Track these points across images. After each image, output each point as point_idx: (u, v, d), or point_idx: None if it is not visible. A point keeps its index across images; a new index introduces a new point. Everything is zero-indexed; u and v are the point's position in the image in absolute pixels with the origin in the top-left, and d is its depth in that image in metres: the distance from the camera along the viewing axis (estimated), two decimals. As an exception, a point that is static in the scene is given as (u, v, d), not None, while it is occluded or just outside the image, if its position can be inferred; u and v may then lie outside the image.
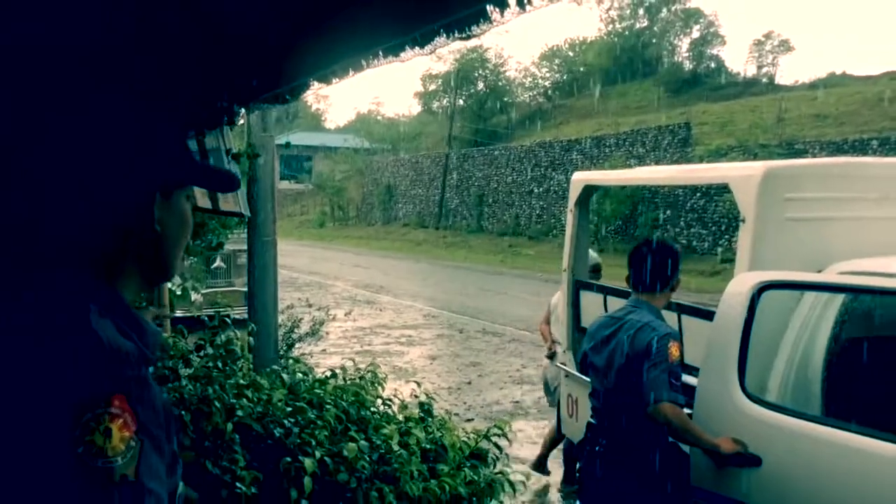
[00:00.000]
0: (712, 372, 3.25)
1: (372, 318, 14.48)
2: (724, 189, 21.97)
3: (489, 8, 2.63)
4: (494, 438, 3.56)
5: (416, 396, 3.61)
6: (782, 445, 3.01)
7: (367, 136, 49.65)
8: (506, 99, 47.14)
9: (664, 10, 45.50)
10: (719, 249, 23.39)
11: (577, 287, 5.46)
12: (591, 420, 3.48)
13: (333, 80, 3.96)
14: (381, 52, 3.27)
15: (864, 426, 2.80)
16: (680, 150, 26.15)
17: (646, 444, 3.21)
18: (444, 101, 48.16)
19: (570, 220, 5.52)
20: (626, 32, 45.91)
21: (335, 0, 2.64)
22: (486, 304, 16.39)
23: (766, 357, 3.24)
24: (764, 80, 43.59)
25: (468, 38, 2.83)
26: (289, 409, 2.90)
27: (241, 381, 2.99)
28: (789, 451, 3.00)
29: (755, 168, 3.69)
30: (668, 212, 26.21)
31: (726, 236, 23.75)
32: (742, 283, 3.23)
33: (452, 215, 37.95)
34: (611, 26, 46.74)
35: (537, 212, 32.36)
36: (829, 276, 3.31)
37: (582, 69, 47.26)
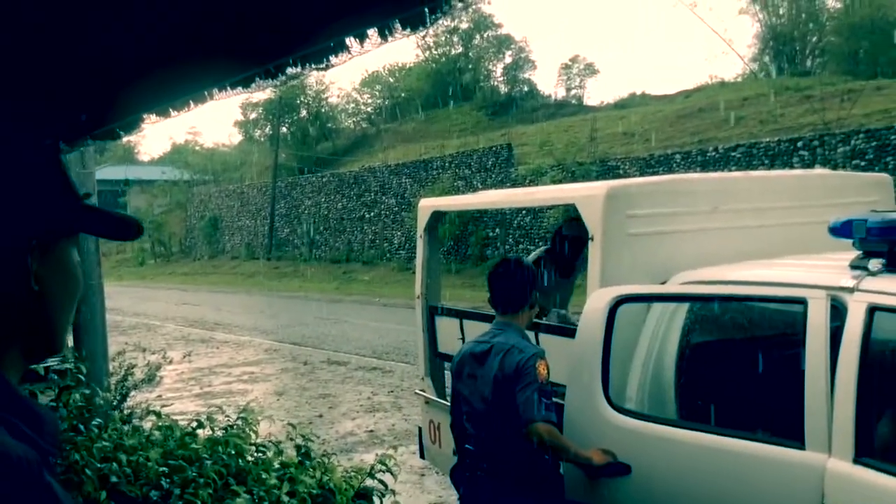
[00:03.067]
0: (578, 386, 3.38)
1: (209, 358, 13.89)
2: (549, 207, 22.97)
3: (349, 40, 2.60)
4: (379, 475, 3.51)
5: (292, 438, 3.50)
6: (646, 451, 3.18)
7: (186, 167, 47.83)
8: (330, 125, 47.06)
9: (477, 36, 47.18)
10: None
11: (431, 313, 5.51)
12: (468, 446, 3.51)
13: (173, 114, 3.77)
14: (228, 85, 3.14)
15: (715, 426, 3.02)
16: (504, 171, 27.12)
17: (526, 465, 3.28)
18: (267, 129, 47.32)
19: (420, 246, 5.58)
20: (443, 58, 47.19)
21: (181, 32, 2.50)
22: (328, 332, 16.18)
23: (626, 367, 3.42)
24: (573, 101, 46.17)
25: (326, 68, 2.79)
26: (164, 469, 2.71)
27: (106, 444, 2.75)
28: (653, 456, 3.17)
29: (598, 188, 3.90)
30: (497, 230, 27.09)
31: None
32: (599, 298, 3.40)
33: (283, 245, 37.26)
34: (428, 52, 47.85)
35: (370, 237, 32.42)
36: (675, 286, 3.54)
37: (403, 94, 48.04)
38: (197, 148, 54.03)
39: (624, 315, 3.34)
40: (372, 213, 32.52)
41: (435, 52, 47.65)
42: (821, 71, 35.07)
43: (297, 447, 3.40)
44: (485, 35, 47.17)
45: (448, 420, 5.40)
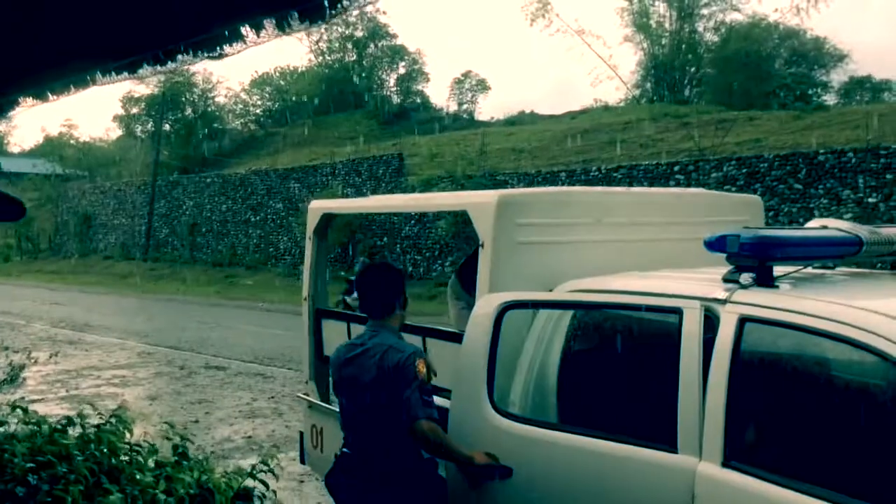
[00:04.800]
0: (464, 390, 3.41)
1: (77, 360, 13.22)
2: (437, 217, 23.14)
3: (244, 29, 2.53)
4: (261, 475, 3.41)
5: (169, 438, 3.36)
6: (529, 454, 3.24)
7: (60, 161, 45.50)
8: (216, 125, 45.79)
9: (371, 45, 47.15)
10: (434, 274, 24.59)
11: (318, 316, 5.44)
12: (345, 450, 3.47)
13: (51, 98, 3.58)
14: (113, 69, 2.99)
15: (593, 430, 3.10)
16: (395, 180, 27.18)
17: (403, 467, 3.26)
18: (149, 125, 45.59)
19: (308, 248, 5.50)
20: (336, 65, 46.89)
21: (60, 7, 2.37)
22: (207, 337, 15.70)
23: (511, 372, 3.47)
24: (464, 115, 46.82)
25: (220, 58, 2.70)
26: (31, 465, 2.53)
27: (-36, 440, 2.56)
28: (534, 459, 3.23)
29: (490, 196, 3.95)
30: (386, 239, 27.08)
31: (439, 261, 25.08)
32: (487, 304, 3.45)
33: (162, 246, 35.97)
34: (321, 58, 47.45)
35: (255, 241, 31.75)
36: (561, 294, 3.63)
37: (293, 98, 47.40)
38: (72, 141, 51.40)
39: (510, 321, 3.40)
40: (258, 217, 31.87)
41: (328, 58, 47.31)
42: (698, 101, 37.02)
43: (175, 446, 3.27)
44: (379, 44, 47.22)
45: (331, 424, 5.37)
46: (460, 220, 21.26)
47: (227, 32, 2.50)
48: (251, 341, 14.93)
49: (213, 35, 2.51)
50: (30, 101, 3.48)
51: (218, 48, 2.59)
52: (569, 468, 3.11)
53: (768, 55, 36.57)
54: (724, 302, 2.90)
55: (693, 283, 3.29)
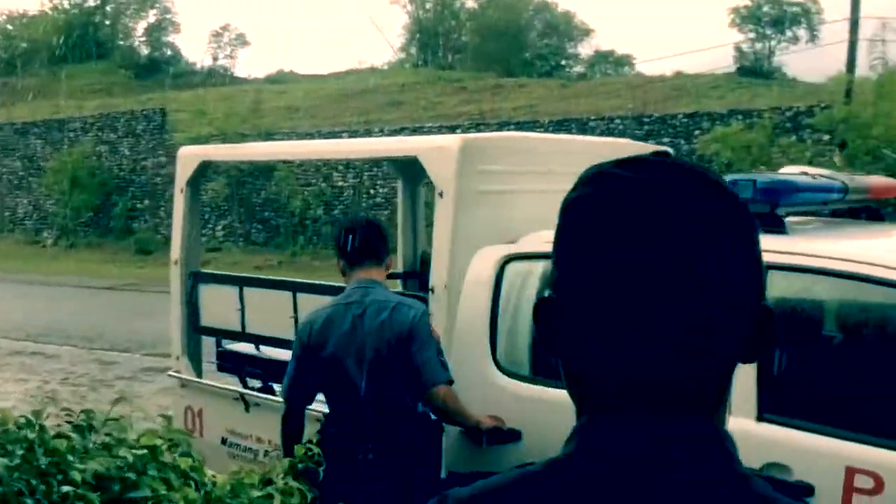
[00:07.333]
0: (463, 349, 3.12)
1: None
2: (217, 174, 21.56)
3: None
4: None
5: None
6: (535, 415, 3.02)
7: None
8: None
9: (115, -10, 43.13)
10: (203, 239, 23.13)
11: (194, 280, 4.72)
12: (331, 430, 2.99)
13: None
14: None
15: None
16: (157, 137, 25.15)
17: (412, 430, 2.98)
18: None
19: (179, 202, 4.74)
20: (76, 10, 42.35)
21: None
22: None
23: (514, 329, 3.20)
24: (221, 71, 44.46)
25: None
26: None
27: None
28: (541, 419, 3.01)
29: (451, 140, 3.64)
30: (147, 201, 25.07)
31: (209, 224, 23.55)
32: (486, 258, 3.14)
33: None
34: (57, 2, 42.61)
35: (-13, 204, 27.98)
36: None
37: (25, 46, 42.15)
38: None
39: (511, 275, 3.11)
40: (-7, 177, 28.10)
41: (66, 3, 42.58)
42: (459, 67, 38.05)
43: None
44: (124, -11, 43.27)
45: (213, 403, 4.73)
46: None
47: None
48: (16, 316, 13.07)
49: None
50: None
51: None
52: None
53: (525, 25, 38.42)
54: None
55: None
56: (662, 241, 0.71)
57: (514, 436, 3.01)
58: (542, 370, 3.22)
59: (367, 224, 3.25)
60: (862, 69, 18.48)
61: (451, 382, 2.92)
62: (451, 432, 3.08)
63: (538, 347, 3.28)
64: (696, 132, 18.24)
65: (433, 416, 3.02)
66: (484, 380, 3.07)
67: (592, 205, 0.75)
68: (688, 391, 0.72)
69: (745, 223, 0.75)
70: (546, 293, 0.80)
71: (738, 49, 32.15)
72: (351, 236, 3.12)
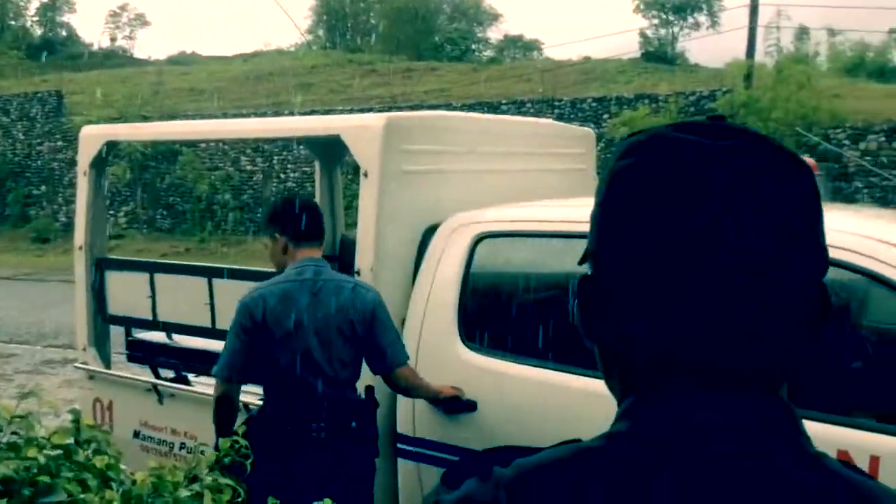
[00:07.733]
0: (432, 323, 3.19)
1: None
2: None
3: None
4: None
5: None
6: (497, 387, 3.06)
7: None
8: None
9: (3, -35, 40.86)
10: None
11: (101, 267, 4.47)
12: (281, 408, 2.91)
13: None
14: None
15: (557, 363, 2.95)
16: (54, 120, 24.01)
17: (358, 408, 2.98)
18: None
19: (83, 185, 4.47)
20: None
21: None
22: None
23: (482, 304, 3.25)
24: (120, 52, 42.84)
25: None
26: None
27: None
28: (501, 392, 3.04)
29: (375, 119, 3.53)
30: (44, 187, 23.93)
31: (111, 210, 22.66)
32: (458, 234, 3.20)
33: None
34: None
35: None
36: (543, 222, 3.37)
37: None
38: None
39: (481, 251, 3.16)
40: None
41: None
42: (368, 50, 37.70)
43: None
44: (13, -34, 41.05)
45: (122, 395, 4.51)
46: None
47: None
48: None
49: None
50: None
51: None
52: (537, 401, 2.96)
53: (434, 9, 38.33)
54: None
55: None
56: (737, 211, 0.66)
57: (470, 406, 3.03)
58: (505, 345, 3.21)
59: (315, 204, 3.27)
60: (759, 55, 19.24)
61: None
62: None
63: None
64: (605, 116, 18.59)
65: (363, 397, 3.02)
66: (451, 352, 3.13)
67: (662, 169, 0.69)
68: (744, 368, 0.68)
69: (816, 203, 0.71)
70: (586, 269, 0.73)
71: (643, 35, 33.02)
72: (305, 214, 3.04)
